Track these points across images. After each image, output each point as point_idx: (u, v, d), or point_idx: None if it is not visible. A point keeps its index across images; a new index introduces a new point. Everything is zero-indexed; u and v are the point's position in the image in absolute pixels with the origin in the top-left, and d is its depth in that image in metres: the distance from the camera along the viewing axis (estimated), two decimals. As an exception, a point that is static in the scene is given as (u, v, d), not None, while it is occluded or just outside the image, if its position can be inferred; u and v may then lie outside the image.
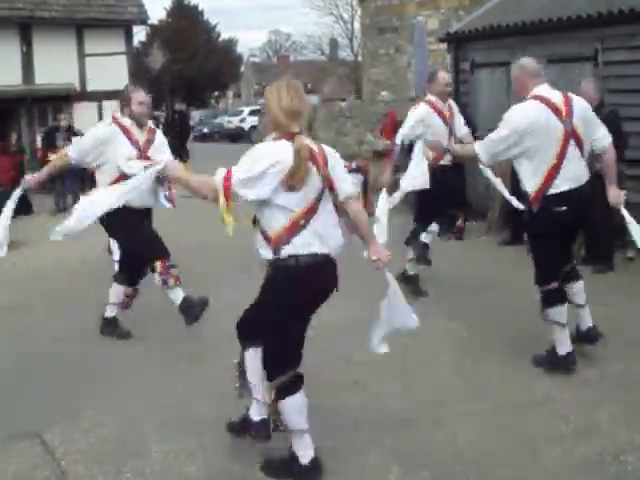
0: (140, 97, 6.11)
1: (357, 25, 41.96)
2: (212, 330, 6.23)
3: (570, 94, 5.19)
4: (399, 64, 21.55)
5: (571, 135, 4.96)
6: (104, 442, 4.41)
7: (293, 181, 3.57)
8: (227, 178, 3.62)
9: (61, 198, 14.47)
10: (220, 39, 51.90)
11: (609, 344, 5.67)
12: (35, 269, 9.15)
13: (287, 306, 3.72)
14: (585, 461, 3.98)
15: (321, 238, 3.69)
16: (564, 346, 5.19)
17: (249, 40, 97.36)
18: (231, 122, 40.15)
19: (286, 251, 3.65)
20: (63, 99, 18.32)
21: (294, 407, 3.79)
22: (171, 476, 4.00)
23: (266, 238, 3.71)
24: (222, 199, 3.63)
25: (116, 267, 8.39)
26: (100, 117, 19.03)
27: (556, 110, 4.95)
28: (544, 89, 5.08)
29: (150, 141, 6.12)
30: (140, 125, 6.09)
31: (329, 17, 49.52)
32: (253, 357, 4.00)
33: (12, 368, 5.69)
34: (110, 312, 6.44)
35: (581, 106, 5.10)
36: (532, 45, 9.83)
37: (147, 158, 5.78)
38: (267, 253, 3.72)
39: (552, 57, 9.49)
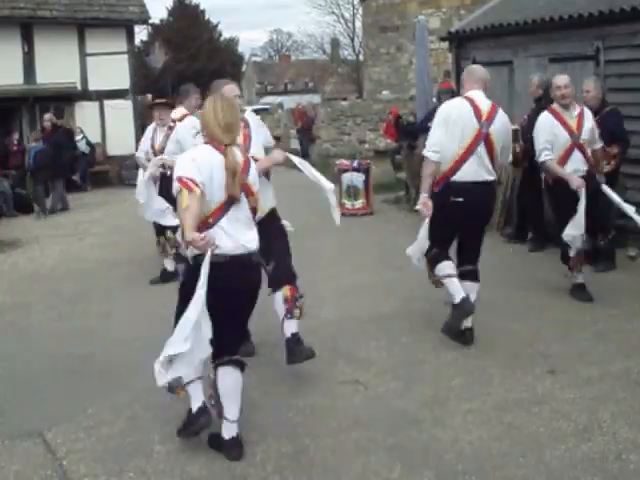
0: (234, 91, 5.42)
1: (358, 24, 41.90)
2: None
3: (500, 109, 5.73)
4: (400, 63, 21.58)
5: (484, 137, 5.55)
6: (106, 441, 4.41)
7: (233, 192, 3.98)
8: (179, 178, 3.93)
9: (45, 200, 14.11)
10: (222, 38, 51.87)
11: (611, 343, 5.67)
12: (35, 269, 9.15)
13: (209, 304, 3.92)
14: (587, 460, 3.97)
15: (231, 238, 3.98)
16: (458, 294, 5.62)
17: (250, 40, 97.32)
18: (233, 121, 40.05)
19: (194, 251, 3.96)
20: (65, 99, 18.31)
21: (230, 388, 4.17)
22: (173, 475, 4.01)
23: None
24: (185, 193, 3.89)
25: None
26: (102, 117, 19.04)
27: (477, 111, 5.56)
28: (476, 93, 5.69)
29: (246, 135, 5.43)
30: None
31: (330, 16, 49.43)
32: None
33: (13, 368, 5.70)
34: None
35: (503, 122, 5.71)
36: (533, 44, 9.82)
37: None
38: (186, 252, 4.10)
39: (554, 56, 9.49)
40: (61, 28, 18.55)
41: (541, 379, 5.05)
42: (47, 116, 15.40)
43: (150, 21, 21.51)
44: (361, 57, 34.71)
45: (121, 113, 18.67)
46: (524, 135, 8.85)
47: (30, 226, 12.57)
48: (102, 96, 18.91)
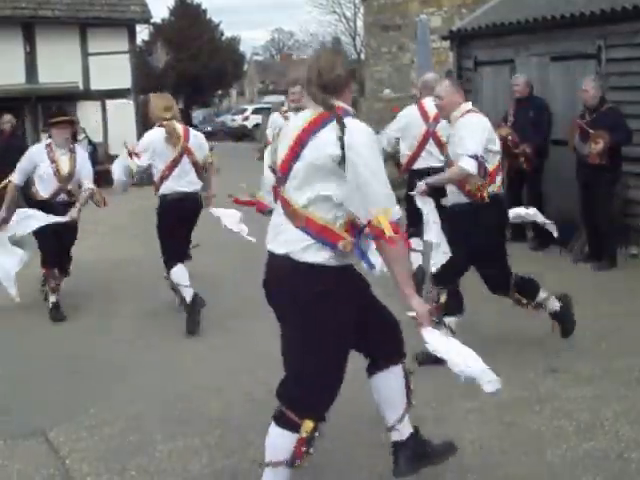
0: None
1: (360, 23, 41.83)
2: (214, 329, 6.24)
3: None
4: (402, 62, 21.52)
5: (431, 135, 6.88)
6: (108, 440, 4.42)
7: (172, 142, 6.36)
8: (135, 153, 6.38)
9: None
10: (223, 38, 51.87)
11: (612, 341, 5.67)
12: (36, 268, 9.14)
13: (163, 224, 6.52)
14: (589, 458, 3.97)
15: (179, 183, 6.38)
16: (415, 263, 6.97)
17: (252, 39, 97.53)
18: (235, 120, 40.15)
19: (160, 192, 6.45)
20: (66, 98, 18.33)
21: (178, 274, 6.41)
22: (175, 474, 4.01)
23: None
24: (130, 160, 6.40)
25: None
26: (104, 116, 19.05)
27: (424, 114, 6.93)
28: (427, 100, 6.85)
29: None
30: None
31: (332, 15, 49.40)
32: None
33: (14, 368, 5.71)
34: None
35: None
36: (535, 43, 9.81)
37: None
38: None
39: (555, 55, 9.49)
40: (63, 28, 18.58)
41: (542, 378, 5.06)
42: (7, 117, 14.76)
43: (152, 21, 21.57)
44: (362, 56, 34.63)
45: (123, 112, 18.70)
46: (517, 133, 8.81)
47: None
48: (104, 95, 18.94)
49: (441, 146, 6.62)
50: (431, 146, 6.91)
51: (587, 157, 7.74)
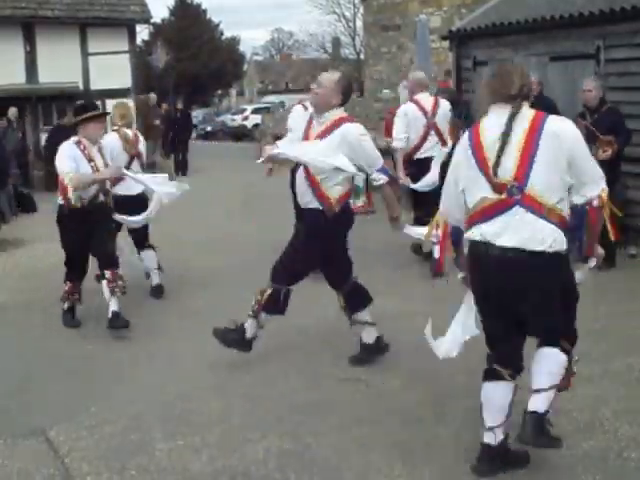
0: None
1: (359, 23, 41.84)
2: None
3: (441, 99, 8.16)
4: (401, 62, 21.51)
5: (431, 127, 7.90)
6: (108, 439, 4.42)
7: (128, 151, 7.22)
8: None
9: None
10: (223, 38, 51.92)
11: (612, 341, 5.68)
12: (37, 268, 9.15)
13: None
14: (588, 458, 3.98)
15: (130, 182, 6.83)
16: None
17: (252, 39, 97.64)
18: (234, 120, 40.15)
19: (114, 191, 6.84)
20: (67, 98, 18.34)
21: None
22: (175, 473, 4.02)
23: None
24: None
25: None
26: (103, 116, 19.05)
27: (422, 109, 7.90)
28: (421, 96, 7.99)
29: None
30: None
31: (331, 15, 49.43)
32: None
33: (15, 367, 5.71)
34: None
35: (444, 107, 8.04)
36: (534, 43, 9.83)
37: None
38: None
39: (554, 55, 9.50)
40: (63, 28, 18.58)
41: (542, 377, 5.05)
42: (12, 110, 14.52)
43: (151, 20, 21.58)
44: (362, 56, 34.67)
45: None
46: None
47: (33, 225, 12.56)
48: (104, 95, 18.92)
49: (440, 136, 7.93)
50: (432, 137, 7.90)
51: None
